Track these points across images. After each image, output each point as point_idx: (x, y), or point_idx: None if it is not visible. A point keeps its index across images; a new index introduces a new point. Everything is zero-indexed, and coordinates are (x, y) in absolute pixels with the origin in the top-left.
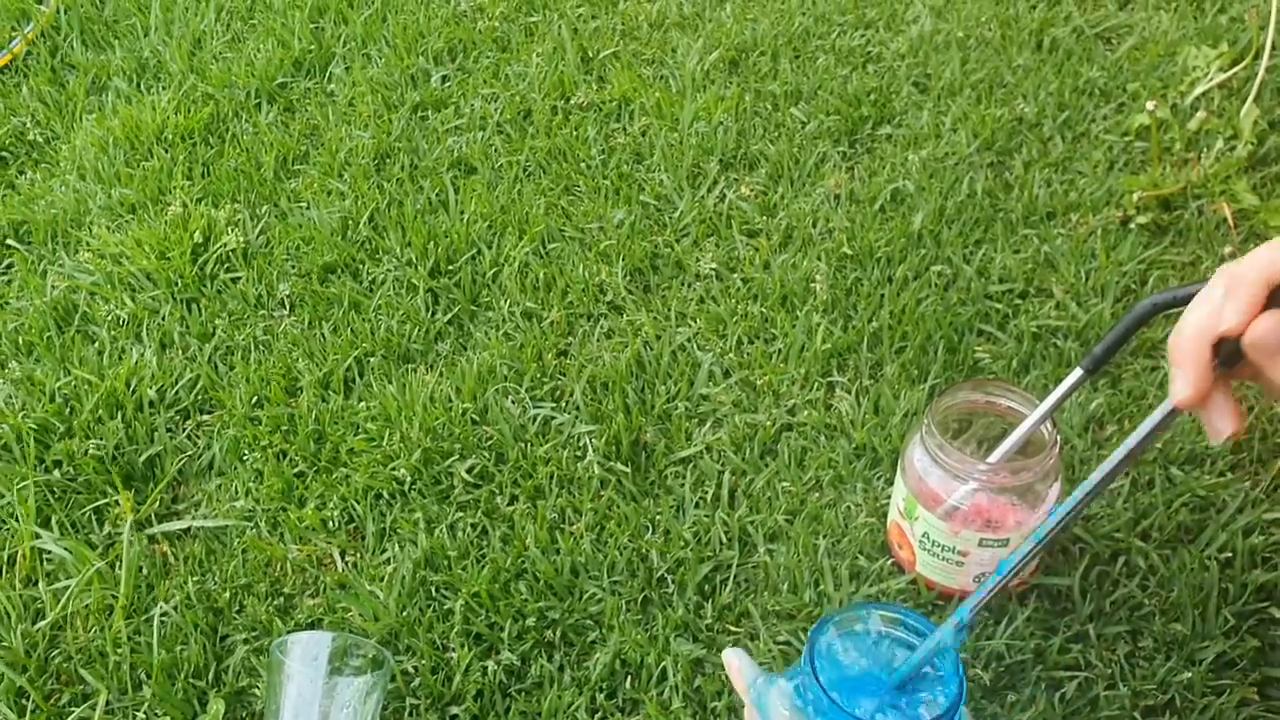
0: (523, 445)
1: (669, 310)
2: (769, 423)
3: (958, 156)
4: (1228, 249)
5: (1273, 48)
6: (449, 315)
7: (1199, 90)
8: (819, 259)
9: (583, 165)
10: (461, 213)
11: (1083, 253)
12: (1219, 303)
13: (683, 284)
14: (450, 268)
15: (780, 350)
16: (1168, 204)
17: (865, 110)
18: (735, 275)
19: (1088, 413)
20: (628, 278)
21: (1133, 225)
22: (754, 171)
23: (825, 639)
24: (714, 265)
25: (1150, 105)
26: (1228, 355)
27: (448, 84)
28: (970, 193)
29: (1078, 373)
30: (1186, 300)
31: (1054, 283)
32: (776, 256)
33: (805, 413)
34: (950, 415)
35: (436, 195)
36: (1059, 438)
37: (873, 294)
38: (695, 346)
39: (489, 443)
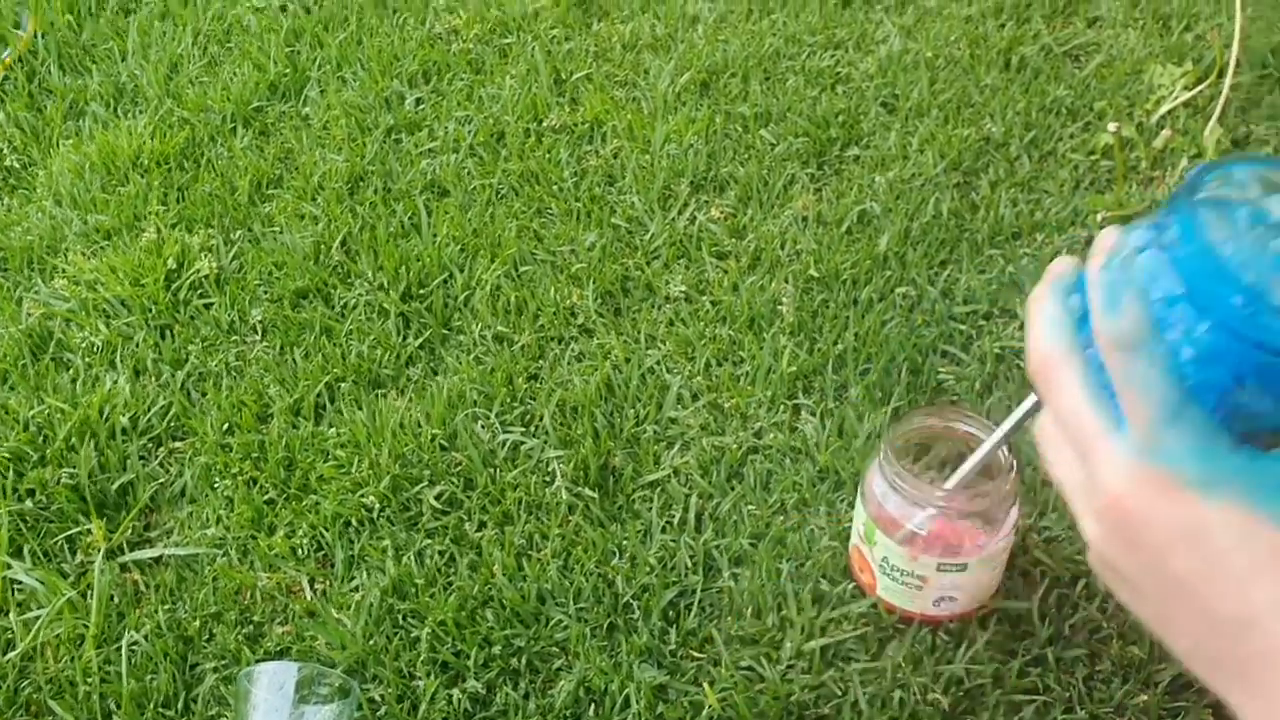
0: (491, 471)
1: (639, 333)
2: (735, 446)
3: (924, 177)
4: None
5: (1236, 66)
6: (420, 340)
7: (1164, 109)
8: (786, 281)
9: (555, 188)
10: (434, 236)
11: None
12: None
13: (653, 307)
14: (422, 291)
15: (748, 373)
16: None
17: (834, 132)
18: (705, 298)
19: None
20: (598, 301)
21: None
22: (724, 193)
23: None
24: (684, 288)
25: (1112, 126)
26: None
27: (421, 107)
28: (936, 214)
29: (1033, 398)
30: None
31: (1018, 304)
32: (745, 278)
33: (771, 435)
34: (909, 440)
35: (409, 218)
36: (1015, 462)
37: (838, 316)
38: (664, 369)
39: (458, 469)
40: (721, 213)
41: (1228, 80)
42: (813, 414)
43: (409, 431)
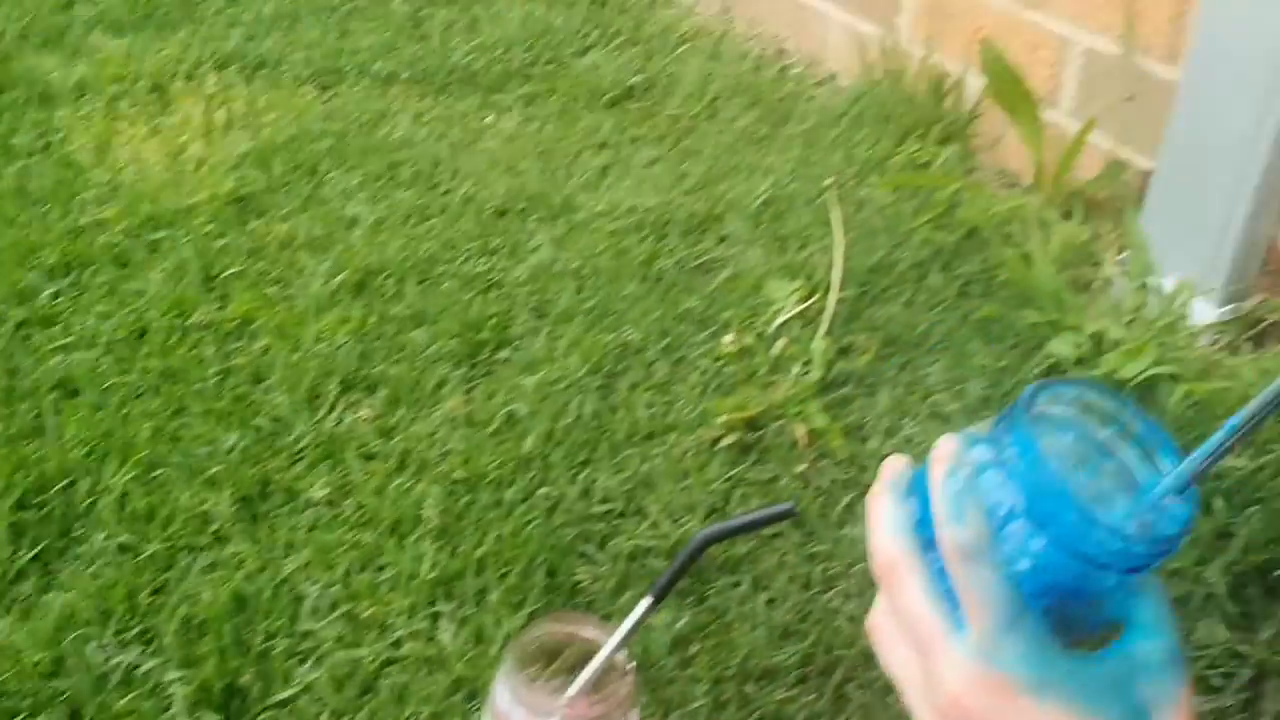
0: (102, 699)
1: (276, 540)
2: (371, 658)
3: (569, 380)
4: (800, 467)
5: (840, 283)
6: (33, 552)
7: (781, 319)
8: (433, 483)
9: (196, 387)
10: (59, 438)
11: (677, 472)
12: None
13: (293, 512)
14: (40, 499)
15: (389, 579)
16: (752, 424)
17: (486, 334)
18: (348, 501)
19: (674, 632)
20: (235, 506)
21: (720, 446)
22: (374, 393)
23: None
24: (327, 491)
25: (728, 338)
26: None
27: (59, 300)
28: (579, 415)
29: (647, 600)
30: (736, 532)
31: (651, 502)
32: (391, 481)
33: (409, 645)
34: (536, 649)
35: (33, 419)
36: (632, 665)
37: (482, 518)
38: (301, 578)
39: (63, 698)
40: (371, 412)
41: (832, 296)
42: (452, 620)
43: (8, 657)
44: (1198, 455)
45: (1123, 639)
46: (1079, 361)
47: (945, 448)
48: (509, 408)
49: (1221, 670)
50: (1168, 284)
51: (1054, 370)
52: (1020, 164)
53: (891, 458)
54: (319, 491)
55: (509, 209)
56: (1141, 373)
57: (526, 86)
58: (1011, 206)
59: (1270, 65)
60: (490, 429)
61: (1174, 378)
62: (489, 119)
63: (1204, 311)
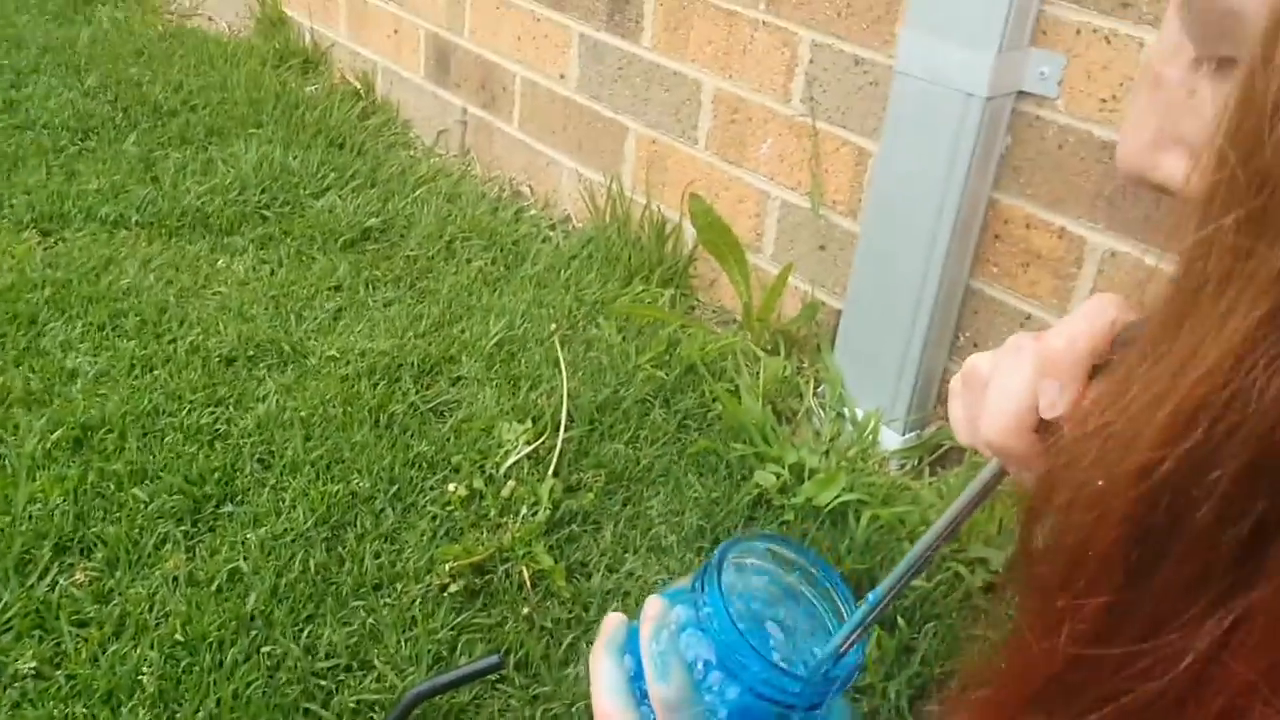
0: None
1: None
2: None
3: (295, 533)
4: (525, 609)
5: (568, 422)
6: None
7: (511, 461)
8: (151, 647)
9: None
10: None
11: (404, 622)
12: (1027, 387)
13: None
14: None
15: None
16: (480, 569)
17: (209, 488)
18: (59, 673)
19: None
20: None
21: (448, 592)
22: (91, 555)
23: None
24: (35, 664)
25: (451, 486)
26: (1041, 429)
27: None
28: (304, 569)
29: None
30: (446, 688)
31: (376, 655)
32: (107, 647)
33: None
34: None
35: None
36: None
37: (202, 682)
38: None
39: None
40: (86, 576)
41: (560, 436)
42: None
43: None
44: (851, 624)
45: None
46: (782, 490)
47: (651, 608)
48: (232, 565)
49: None
50: (860, 414)
51: (761, 500)
52: (733, 304)
53: (610, 615)
54: (26, 664)
55: (238, 357)
56: (834, 500)
57: (261, 229)
58: (724, 344)
59: (931, 224)
60: (213, 587)
61: (862, 503)
62: (221, 263)
63: (890, 439)
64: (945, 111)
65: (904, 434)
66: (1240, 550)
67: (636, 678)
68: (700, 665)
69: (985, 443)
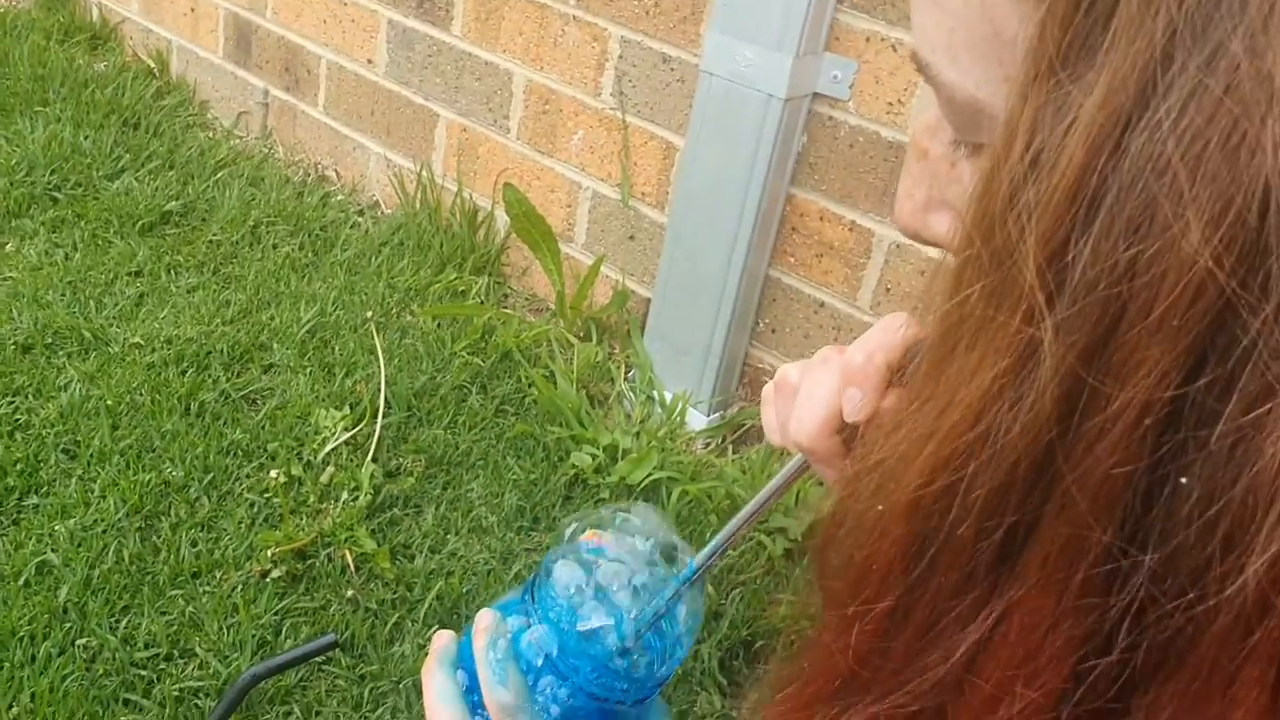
0: None
1: None
2: None
3: (106, 523)
4: (349, 591)
5: (386, 408)
6: None
7: (329, 447)
8: None
9: None
10: None
11: (225, 609)
12: (833, 395)
13: None
14: None
15: None
16: (302, 554)
17: (11, 481)
18: None
19: None
20: None
21: (270, 578)
22: None
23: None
24: None
25: (274, 472)
26: (844, 430)
27: None
28: (118, 559)
29: None
30: (281, 669)
31: (198, 642)
32: None
33: None
34: None
35: None
36: None
37: (13, 677)
38: None
39: None
40: None
41: (379, 422)
42: None
43: None
44: (663, 598)
45: None
46: (597, 470)
47: (483, 620)
48: (40, 557)
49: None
50: (669, 397)
51: (578, 479)
52: (546, 291)
53: (440, 633)
54: None
55: (35, 344)
56: (646, 478)
57: (52, 211)
58: (538, 331)
59: (734, 217)
60: (20, 581)
61: (672, 480)
62: (10, 247)
63: (697, 420)
64: (747, 111)
65: (709, 415)
66: (996, 557)
67: (469, 690)
68: (535, 670)
69: (794, 443)
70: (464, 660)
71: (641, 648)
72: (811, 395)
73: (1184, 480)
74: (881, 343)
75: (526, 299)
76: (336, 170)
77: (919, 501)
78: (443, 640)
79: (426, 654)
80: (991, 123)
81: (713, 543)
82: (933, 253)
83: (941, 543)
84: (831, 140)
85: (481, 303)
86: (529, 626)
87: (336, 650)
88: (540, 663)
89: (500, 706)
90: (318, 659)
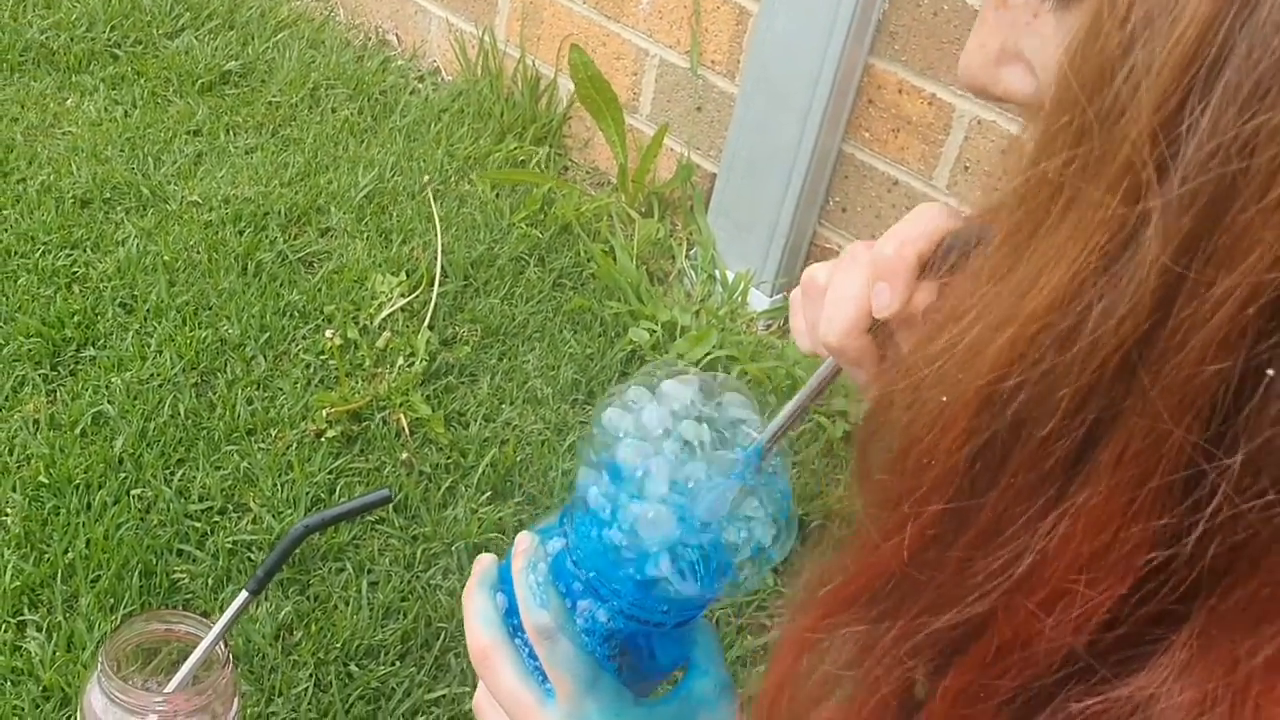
0: None
1: None
2: None
3: (162, 378)
4: (403, 454)
5: (442, 276)
6: None
7: (385, 313)
8: (13, 489)
9: None
10: None
11: (279, 466)
12: (862, 291)
13: None
14: None
15: None
16: (357, 416)
17: (69, 332)
18: None
19: (277, 621)
20: None
21: (324, 438)
22: None
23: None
24: None
25: (329, 333)
26: (875, 330)
27: None
28: (174, 414)
29: (244, 595)
30: (335, 520)
31: (252, 498)
32: None
33: None
34: (132, 648)
35: None
36: (230, 656)
37: (70, 523)
38: None
39: None
40: None
41: (435, 290)
42: (39, 630)
43: None
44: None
45: (684, 680)
46: (654, 347)
47: (523, 543)
48: (96, 408)
49: (769, 612)
50: (731, 276)
51: (634, 355)
52: (608, 164)
53: (481, 556)
54: None
55: (93, 199)
56: (705, 355)
57: (112, 68)
58: (599, 204)
59: (808, 88)
60: (77, 430)
61: (732, 359)
62: (70, 102)
63: (759, 300)
64: None
65: (772, 295)
66: (1073, 456)
67: (509, 613)
68: (572, 593)
69: (824, 345)
70: (504, 583)
71: (683, 570)
72: (839, 293)
73: (1272, 373)
74: (911, 234)
75: (588, 172)
76: (398, 34)
77: (992, 394)
78: (484, 564)
79: (479, 519)
80: None
81: (743, 456)
82: (1017, 128)
83: (1014, 440)
84: (914, 7)
85: (542, 172)
86: (567, 549)
87: (390, 510)
88: (579, 586)
89: (539, 628)
90: (370, 517)
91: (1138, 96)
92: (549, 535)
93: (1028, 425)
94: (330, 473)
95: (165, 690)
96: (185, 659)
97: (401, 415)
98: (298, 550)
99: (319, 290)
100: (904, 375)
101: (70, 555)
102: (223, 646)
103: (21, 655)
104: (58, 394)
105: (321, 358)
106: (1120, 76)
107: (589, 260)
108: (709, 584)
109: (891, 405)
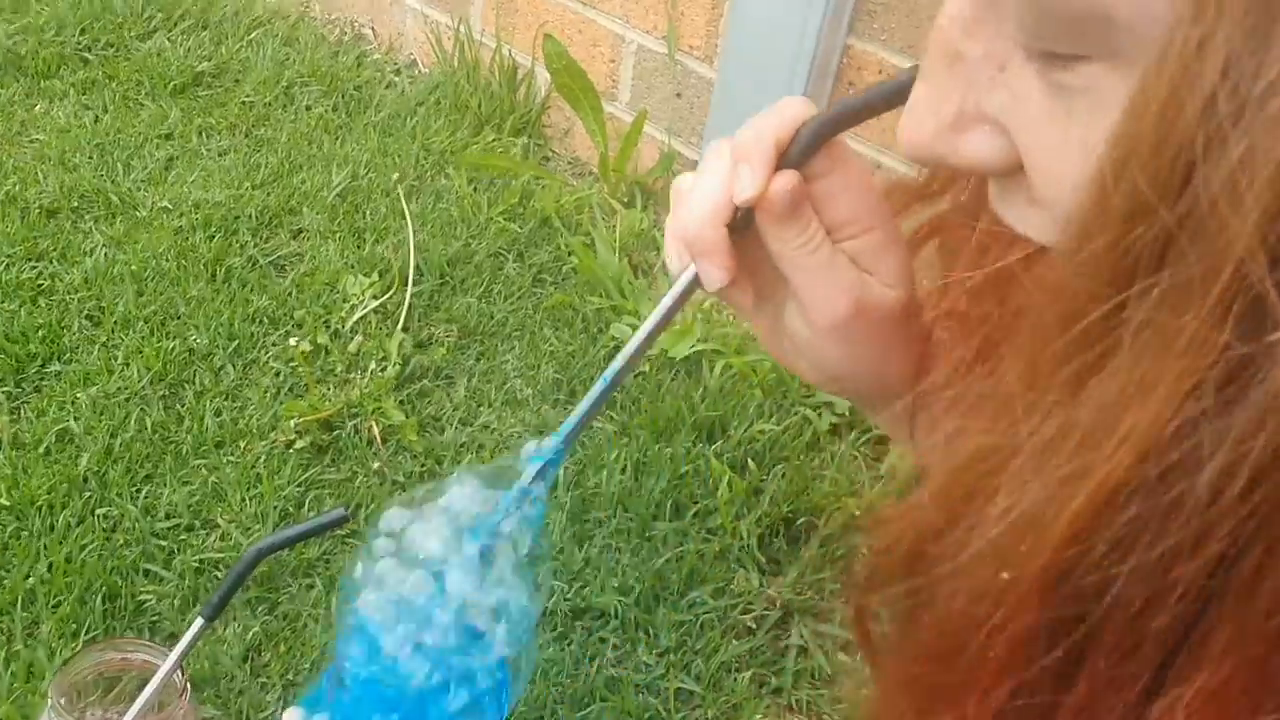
0: None
1: None
2: None
3: (129, 391)
4: (376, 464)
5: (417, 275)
6: None
7: (358, 315)
8: None
9: None
10: None
11: (248, 480)
12: (724, 181)
13: None
14: None
15: None
16: (328, 425)
17: (34, 347)
18: None
19: (245, 642)
20: None
21: (294, 449)
22: None
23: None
24: None
25: (294, 340)
26: (737, 225)
27: None
28: (140, 428)
29: (199, 622)
30: (289, 542)
31: (220, 513)
32: None
33: None
34: (86, 679)
35: None
36: (188, 684)
37: (31, 546)
38: None
39: None
40: None
41: (409, 290)
42: None
43: None
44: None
45: None
46: None
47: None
48: (61, 425)
49: (754, 614)
50: None
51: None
52: (588, 154)
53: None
54: None
55: (61, 208)
56: (690, 350)
57: (82, 72)
58: (579, 196)
59: (787, 71)
60: (40, 449)
61: (716, 353)
62: (39, 108)
63: None
64: None
65: None
66: (1177, 634)
67: None
68: None
69: (686, 242)
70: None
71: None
72: (702, 184)
73: None
74: (771, 122)
75: (568, 162)
76: (373, 28)
77: (1068, 567)
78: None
79: None
80: (1111, 32)
81: (599, 385)
82: None
83: (1103, 618)
84: None
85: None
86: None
87: (361, 523)
88: None
89: None
90: (341, 531)
91: (1236, 197)
92: (313, 707)
93: (1114, 601)
94: (300, 485)
95: None
96: (145, 687)
97: (374, 423)
98: (264, 568)
99: (289, 295)
100: (944, 561)
101: (31, 580)
102: (180, 675)
103: None
104: (21, 411)
105: (291, 365)
106: (1209, 172)
107: (569, 254)
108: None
109: (897, 544)
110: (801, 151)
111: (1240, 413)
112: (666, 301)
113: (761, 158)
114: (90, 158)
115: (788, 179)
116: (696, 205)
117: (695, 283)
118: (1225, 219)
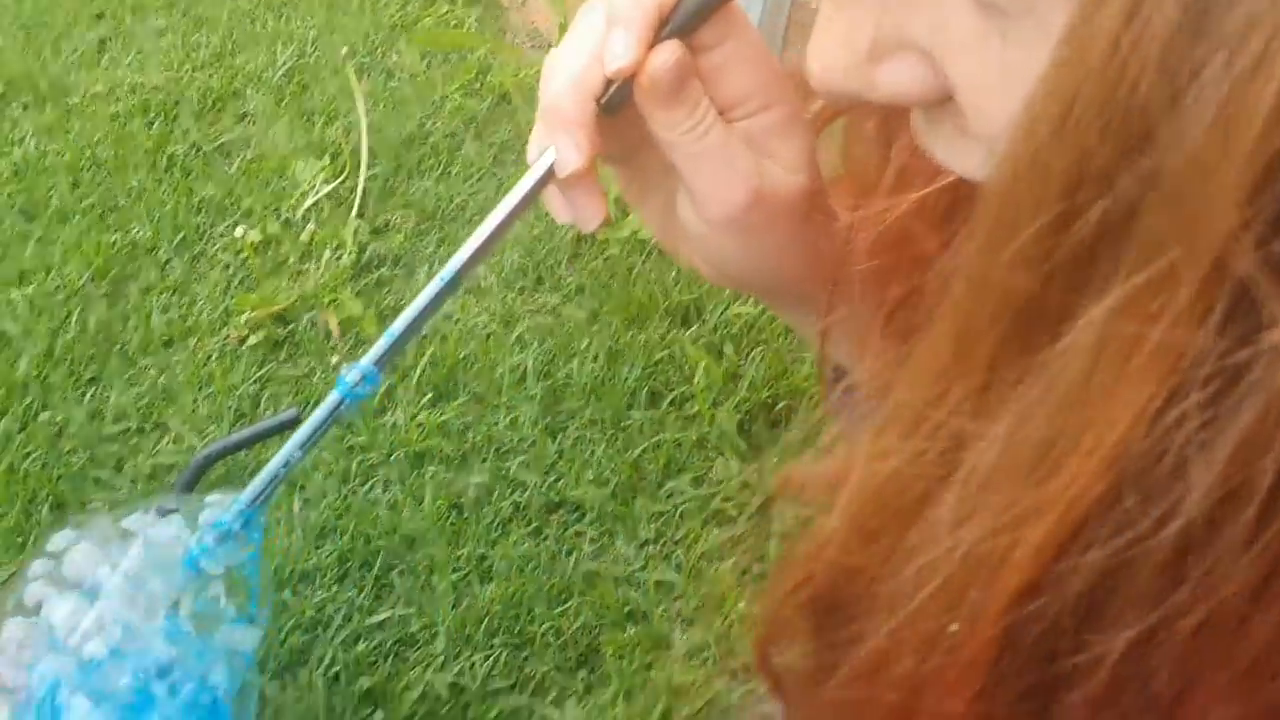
0: None
1: None
2: None
3: (69, 289)
4: (335, 359)
5: (371, 159)
6: None
7: (309, 202)
8: None
9: None
10: None
11: (200, 379)
12: (594, 45)
13: None
14: None
15: None
16: (282, 319)
17: None
18: None
19: None
20: None
21: (247, 345)
22: None
23: None
24: None
25: (241, 230)
26: (610, 103)
27: None
28: (82, 328)
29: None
30: (238, 447)
31: (171, 415)
32: None
33: None
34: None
35: None
36: None
37: None
38: None
39: None
40: None
41: (362, 173)
42: None
43: None
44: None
45: None
46: (604, 223)
47: None
48: None
49: (734, 502)
50: None
51: (586, 235)
52: (547, 24)
53: None
54: None
55: None
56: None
57: None
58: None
59: None
60: None
61: None
62: None
63: None
64: None
65: None
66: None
67: None
68: None
69: (542, 110)
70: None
71: None
72: (567, 47)
73: None
74: None
75: (527, 34)
76: None
77: (1020, 614)
78: None
79: (418, 424)
80: None
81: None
82: None
83: (1067, 674)
84: None
85: (477, 34)
86: None
87: None
88: None
89: None
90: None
91: (1224, 150)
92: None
93: (1062, 648)
94: (255, 382)
95: None
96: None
97: (330, 315)
98: (211, 474)
99: (236, 182)
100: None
101: None
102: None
103: None
104: None
105: (241, 256)
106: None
107: (530, 130)
108: None
109: (806, 588)
110: (687, 17)
111: (1233, 429)
112: (519, 189)
113: (640, 22)
114: (15, 40)
115: (670, 50)
116: (561, 67)
117: (548, 176)
118: (1203, 184)
